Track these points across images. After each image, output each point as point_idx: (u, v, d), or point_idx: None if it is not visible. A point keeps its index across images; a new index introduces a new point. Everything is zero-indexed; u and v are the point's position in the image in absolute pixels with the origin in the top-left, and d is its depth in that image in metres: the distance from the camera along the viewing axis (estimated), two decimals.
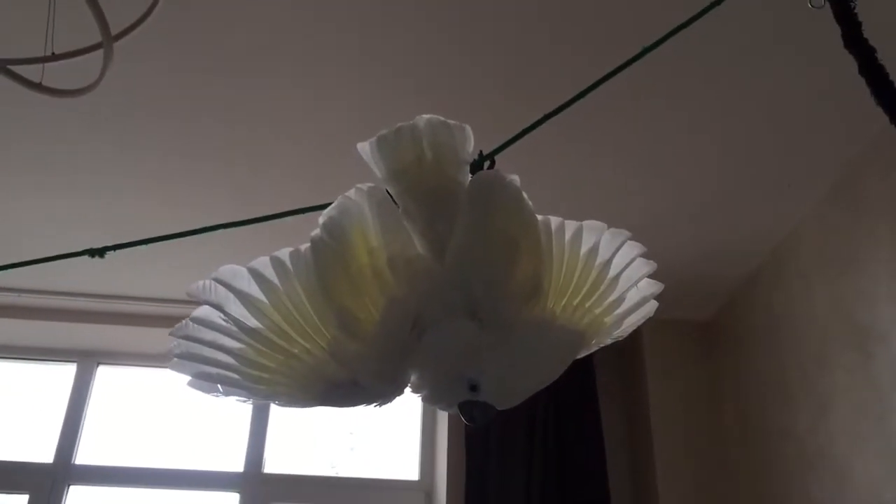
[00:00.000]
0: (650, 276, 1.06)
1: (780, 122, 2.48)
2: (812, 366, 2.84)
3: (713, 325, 3.58)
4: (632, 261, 1.02)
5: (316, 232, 0.93)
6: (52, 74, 1.90)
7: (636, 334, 3.37)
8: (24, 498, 3.34)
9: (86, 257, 1.14)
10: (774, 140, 2.55)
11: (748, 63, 2.25)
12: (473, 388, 0.90)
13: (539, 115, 1.15)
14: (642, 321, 1.07)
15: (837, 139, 2.54)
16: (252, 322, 0.93)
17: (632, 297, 1.03)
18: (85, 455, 3.50)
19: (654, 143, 2.58)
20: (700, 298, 3.44)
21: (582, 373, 3.31)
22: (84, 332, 3.55)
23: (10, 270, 1.20)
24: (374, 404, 0.95)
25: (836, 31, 1.15)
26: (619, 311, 1.02)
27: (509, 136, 1.13)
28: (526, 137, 1.17)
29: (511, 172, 1.00)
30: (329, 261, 0.92)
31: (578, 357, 1.01)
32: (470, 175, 1.00)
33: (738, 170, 2.69)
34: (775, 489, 3.01)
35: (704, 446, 3.35)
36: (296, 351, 0.93)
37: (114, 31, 1.77)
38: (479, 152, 1.02)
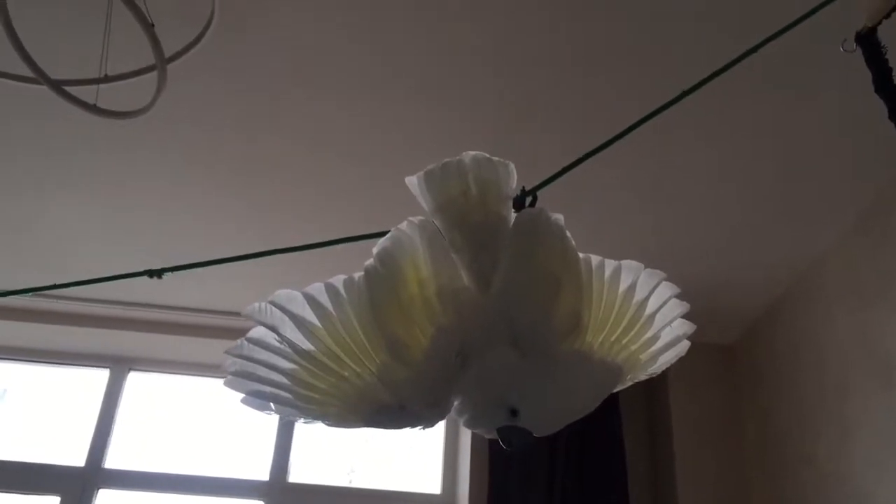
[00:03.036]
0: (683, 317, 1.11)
1: (807, 152, 2.50)
2: (833, 393, 2.85)
3: (736, 350, 3.60)
4: (667, 300, 1.07)
5: (370, 262, 0.98)
6: (106, 95, 1.98)
7: None
8: (56, 500, 3.41)
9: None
10: (801, 169, 2.58)
11: (776, 95, 2.29)
12: (513, 413, 0.95)
13: (569, 150, 1.20)
14: (675, 359, 1.12)
15: (864, 170, 2.57)
16: (305, 345, 0.98)
17: (666, 336, 1.08)
18: (115, 459, 3.57)
19: (678, 172, 2.61)
20: (724, 323, 3.46)
21: None
22: (117, 338, 3.63)
23: (49, 278, 1.27)
24: (419, 427, 1.00)
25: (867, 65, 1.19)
26: (654, 348, 1.07)
27: (537, 170, 1.18)
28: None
29: (541, 204, 1.06)
30: (382, 290, 0.97)
31: (614, 391, 1.05)
32: (513, 209, 1.05)
33: (764, 198, 2.72)
34: None
35: (725, 469, 3.36)
36: (346, 374, 0.98)
37: (167, 53, 1.85)
38: (521, 188, 1.08)
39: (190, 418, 3.78)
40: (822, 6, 1.17)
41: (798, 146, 2.49)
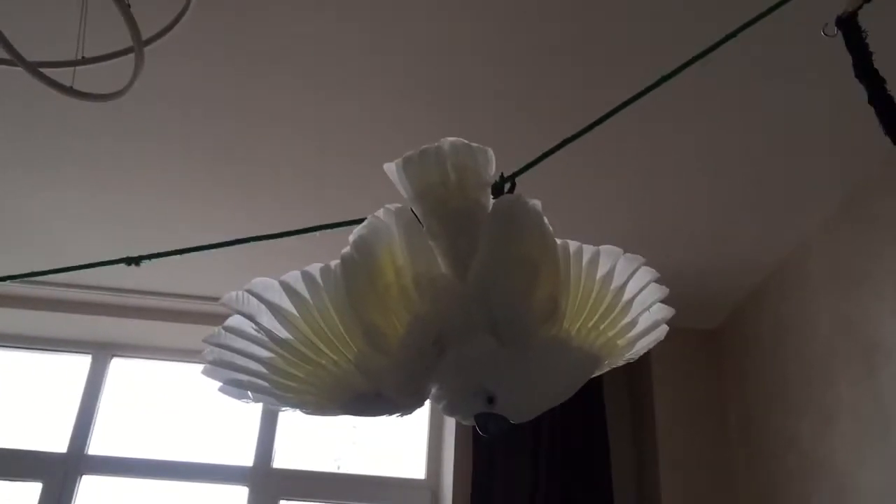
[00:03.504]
0: (662, 301, 1.10)
1: (790, 137, 2.51)
2: (817, 378, 2.87)
3: (719, 334, 3.62)
4: (645, 286, 1.06)
5: (346, 249, 0.98)
6: (84, 77, 1.95)
7: None
8: (38, 486, 3.40)
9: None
10: (786, 155, 2.59)
11: (759, 81, 2.29)
12: (490, 400, 0.95)
13: (550, 136, 1.20)
14: (654, 344, 1.12)
15: (849, 156, 2.58)
16: (282, 333, 0.97)
17: (644, 321, 1.08)
18: (98, 445, 3.56)
19: (660, 159, 2.62)
20: (707, 308, 3.48)
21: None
22: (99, 324, 3.61)
23: (28, 262, 1.25)
24: (397, 414, 0.99)
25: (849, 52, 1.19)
26: (632, 333, 1.07)
27: (520, 156, 1.17)
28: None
29: (528, 193, 1.05)
30: (358, 277, 0.96)
31: (592, 377, 1.05)
32: (491, 196, 1.05)
33: (747, 183, 2.73)
34: (777, 498, 3.05)
35: (709, 454, 3.39)
36: (323, 362, 0.97)
37: (144, 35, 1.83)
38: (500, 174, 1.07)
39: (173, 404, 3.76)
40: None
41: (781, 131, 2.49)
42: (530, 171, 1.20)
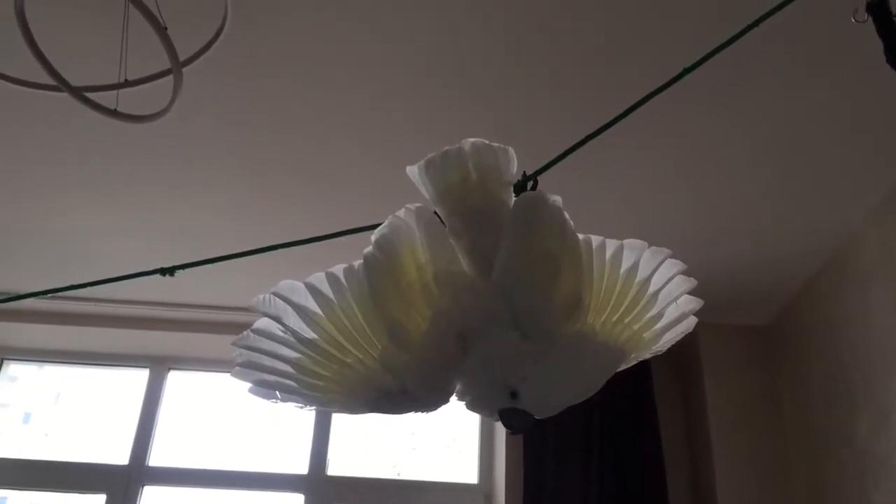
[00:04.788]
0: (691, 293, 1.10)
1: (839, 127, 2.46)
2: (872, 372, 2.81)
3: (771, 330, 3.55)
4: (671, 278, 1.06)
5: (368, 249, 1.00)
6: (123, 97, 2.02)
7: (693, 339, 3.41)
8: (102, 498, 3.50)
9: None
10: (834, 144, 2.54)
11: (805, 71, 2.26)
12: (514, 395, 0.96)
13: (576, 134, 1.20)
14: (681, 336, 1.11)
15: None
16: (308, 333, 1.00)
17: (671, 313, 1.07)
18: (158, 457, 3.64)
19: (707, 152, 2.59)
20: (758, 303, 3.42)
21: (639, 376, 3.33)
22: (155, 338, 3.70)
23: (69, 279, 1.31)
24: (422, 411, 1.01)
25: None
26: (658, 326, 1.06)
27: (546, 152, 1.18)
28: (575, 157, 1.21)
29: (555, 192, 1.06)
30: (380, 276, 0.98)
31: (618, 370, 1.05)
32: (514, 195, 1.06)
33: (797, 174, 2.68)
34: (833, 496, 2.98)
35: (763, 451, 3.33)
36: (349, 361, 0.99)
37: (182, 55, 1.88)
38: (522, 173, 1.08)
39: (229, 415, 3.84)
40: None
41: (830, 122, 2.45)
42: (570, 167, 1.21)
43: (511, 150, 1.05)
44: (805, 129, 2.48)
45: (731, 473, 3.25)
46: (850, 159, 2.59)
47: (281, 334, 1.01)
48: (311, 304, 0.99)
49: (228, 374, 3.39)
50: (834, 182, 2.71)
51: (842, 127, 2.46)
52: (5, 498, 3.74)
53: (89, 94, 1.92)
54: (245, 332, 1.03)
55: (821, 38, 2.13)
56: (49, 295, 1.47)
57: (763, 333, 3.57)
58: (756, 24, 1.21)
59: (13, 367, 3.90)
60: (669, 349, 1.13)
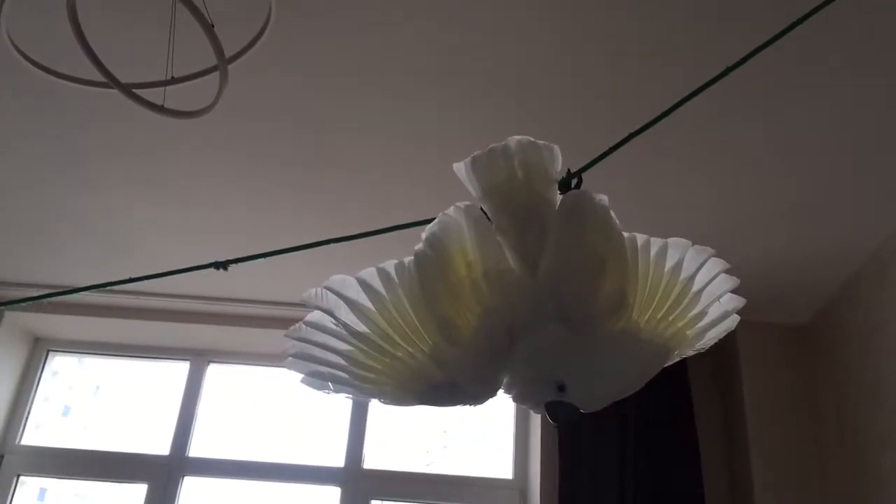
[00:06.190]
0: (734, 291, 1.11)
1: (882, 124, 2.44)
2: None
3: (811, 329, 3.52)
4: (715, 276, 1.07)
5: (419, 246, 1.02)
6: (172, 93, 2.07)
7: (731, 338, 3.37)
8: (143, 487, 3.57)
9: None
10: (876, 142, 2.52)
11: (849, 68, 2.24)
12: (560, 388, 0.98)
13: (624, 131, 1.21)
14: (724, 334, 1.12)
15: None
16: (360, 327, 1.02)
17: (714, 312, 1.09)
18: (198, 448, 3.71)
19: (750, 146, 2.58)
20: (797, 302, 3.40)
21: (676, 373, 3.32)
22: (197, 332, 3.77)
23: (125, 274, 1.34)
24: (470, 404, 1.03)
25: None
26: (702, 324, 1.08)
27: (588, 151, 1.19)
28: (620, 155, 1.23)
29: (600, 189, 1.07)
30: (431, 272, 1.01)
31: (663, 367, 1.07)
32: (559, 192, 1.07)
33: (837, 172, 2.66)
34: (872, 498, 2.96)
35: (801, 452, 3.31)
36: (399, 354, 1.02)
37: (228, 51, 1.92)
38: (567, 170, 1.10)
39: (267, 407, 3.90)
40: None
41: (872, 119, 2.43)
42: (613, 165, 1.22)
43: (556, 148, 1.07)
44: (848, 125, 2.46)
45: (769, 473, 3.24)
46: (892, 160, 2.57)
47: (333, 327, 1.03)
48: (363, 299, 1.02)
49: (267, 368, 3.44)
50: (876, 179, 2.69)
51: (887, 123, 2.44)
52: (45, 490, 3.83)
53: (137, 91, 1.98)
54: (298, 324, 1.06)
55: (869, 35, 2.12)
56: (101, 288, 1.51)
57: (802, 333, 3.54)
58: (800, 21, 1.22)
59: (56, 362, 3.98)
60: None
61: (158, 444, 3.69)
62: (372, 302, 1.02)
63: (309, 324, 1.05)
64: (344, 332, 1.03)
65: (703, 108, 2.23)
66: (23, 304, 3.54)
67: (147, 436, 3.77)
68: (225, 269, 1.22)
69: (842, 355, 3.27)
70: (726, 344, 3.36)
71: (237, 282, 3.47)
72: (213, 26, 1.78)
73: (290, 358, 1.07)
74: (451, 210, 1.04)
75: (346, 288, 1.03)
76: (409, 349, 1.02)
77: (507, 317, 0.99)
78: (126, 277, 1.34)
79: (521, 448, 3.68)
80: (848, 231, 2.97)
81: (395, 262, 1.03)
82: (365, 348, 1.03)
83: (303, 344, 1.06)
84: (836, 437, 3.25)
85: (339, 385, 1.05)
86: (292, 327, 1.06)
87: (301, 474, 3.67)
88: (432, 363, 1.00)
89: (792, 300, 3.38)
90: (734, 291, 1.12)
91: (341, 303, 1.03)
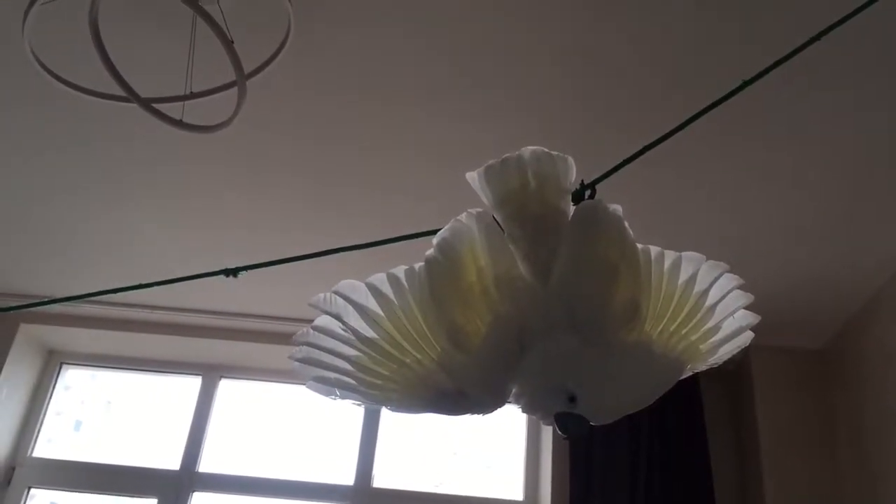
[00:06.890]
0: (748, 308, 1.10)
1: None
2: None
3: (825, 355, 3.48)
4: (729, 292, 1.07)
5: (430, 251, 1.02)
6: (188, 109, 2.08)
7: (745, 361, 3.36)
8: (153, 502, 3.56)
9: (220, 276, 1.27)
10: (893, 165, 2.50)
11: (873, 84, 2.23)
12: (572, 399, 0.97)
13: (636, 145, 1.21)
14: (738, 350, 1.11)
15: None
16: (369, 332, 1.02)
17: (728, 327, 1.08)
18: (208, 463, 3.70)
19: (766, 168, 2.56)
20: (812, 327, 3.36)
21: (688, 393, 3.28)
22: (209, 347, 3.77)
23: (144, 289, 1.35)
24: (479, 413, 1.02)
25: None
26: (715, 339, 1.07)
27: (601, 163, 1.19)
28: (634, 170, 1.22)
29: (615, 202, 1.07)
30: (441, 278, 1.00)
31: (676, 381, 1.05)
32: (572, 203, 1.07)
33: (855, 195, 2.64)
34: None
35: (817, 478, 3.26)
36: (408, 360, 1.01)
37: (247, 67, 1.93)
38: (580, 181, 1.09)
39: (278, 424, 3.88)
40: None
41: (891, 140, 2.41)
42: (625, 178, 1.21)
43: (570, 159, 1.06)
44: (864, 147, 2.45)
45: (782, 497, 3.19)
46: None
47: (341, 332, 1.03)
48: (372, 304, 1.02)
49: (279, 384, 3.40)
50: (889, 204, 2.66)
51: None
52: (55, 503, 3.82)
53: (156, 105, 1.99)
54: (305, 329, 1.05)
55: (889, 49, 2.10)
56: (109, 297, 1.51)
57: (817, 357, 3.50)
58: (817, 38, 1.21)
59: (68, 376, 3.99)
60: (720, 368, 1.13)
61: (169, 459, 3.68)
62: (381, 307, 1.02)
63: (316, 328, 1.05)
64: (352, 337, 1.03)
65: (719, 124, 2.24)
66: (39, 315, 3.58)
67: (158, 450, 3.76)
68: (235, 275, 1.22)
69: (858, 381, 3.23)
70: (740, 366, 3.35)
71: (250, 297, 3.47)
72: (232, 42, 1.80)
73: (296, 363, 1.06)
74: (462, 216, 1.04)
75: (355, 292, 1.02)
76: (418, 355, 1.01)
77: (518, 324, 0.99)
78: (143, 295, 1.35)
79: (532, 470, 3.64)
80: (865, 255, 2.94)
81: (406, 267, 1.03)
82: (373, 354, 1.02)
83: (310, 348, 1.05)
84: (851, 462, 3.20)
85: (346, 391, 1.04)
86: (299, 331, 1.06)
87: (310, 492, 3.65)
88: (441, 370, 1.00)
89: (807, 325, 3.34)
90: (748, 308, 1.11)
91: (350, 307, 1.02)
